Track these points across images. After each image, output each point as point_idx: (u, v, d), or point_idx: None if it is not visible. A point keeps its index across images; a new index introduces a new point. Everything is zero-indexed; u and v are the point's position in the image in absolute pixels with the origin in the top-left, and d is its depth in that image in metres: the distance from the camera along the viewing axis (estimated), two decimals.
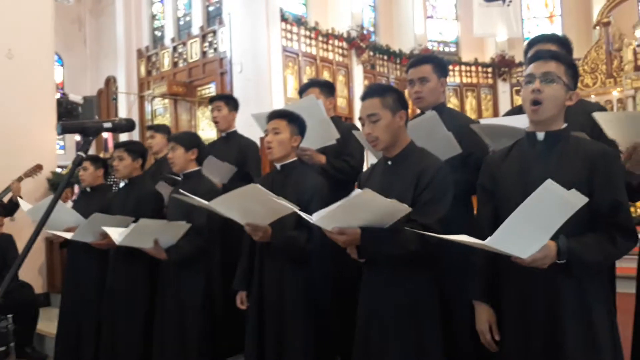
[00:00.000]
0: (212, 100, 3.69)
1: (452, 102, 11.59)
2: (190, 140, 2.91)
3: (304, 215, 1.84)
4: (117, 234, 2.70)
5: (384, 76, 10.68)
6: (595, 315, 1.57)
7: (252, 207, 2.12)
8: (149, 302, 2.95)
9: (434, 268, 1.91)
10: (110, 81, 11.09)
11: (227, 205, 2.17)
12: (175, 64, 9.86)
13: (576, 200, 1.35)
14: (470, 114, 11.53)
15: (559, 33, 12.26)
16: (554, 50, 1.77)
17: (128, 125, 1.52)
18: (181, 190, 2.51)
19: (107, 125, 1.45)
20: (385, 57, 10.86)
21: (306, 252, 2.26)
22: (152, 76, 10.24)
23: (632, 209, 4.86)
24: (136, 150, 3.21)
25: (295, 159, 2.45)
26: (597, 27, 10.35)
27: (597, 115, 1.68)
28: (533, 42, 2.33)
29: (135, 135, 9.79)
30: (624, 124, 1.66)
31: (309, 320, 2.28)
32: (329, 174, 2.68)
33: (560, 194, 1.32)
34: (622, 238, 1.56)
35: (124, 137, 8.02)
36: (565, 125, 1.67)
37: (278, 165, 2.44)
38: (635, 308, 1.99)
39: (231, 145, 3.53)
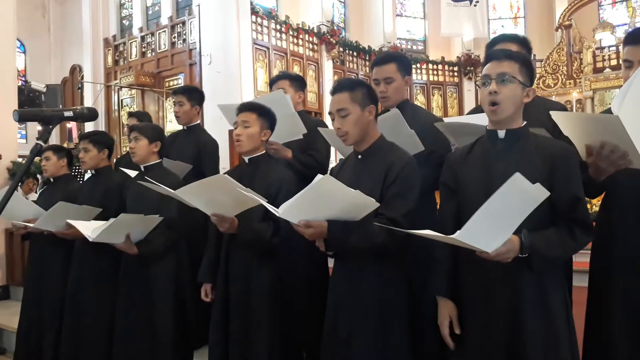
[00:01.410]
0: (174, 93, 3.64)
1: (419, 100, 11.77)
2: (153, 132, 2.88)
3: (270, 207, 1.84)
4: (87, 228, 2.62)
5: (353, 72, 10.76)
6: (553, 308, 1.63)
7: (219, 197, 2.11)
8: (115, 296, 2.90)
9: (401, 262, 1.94)
10: (76, 70, 10.81)
11: (193, 195, 2.15)
12: (143, 54, 9.69)
13: (540, 194, 1.39)
14: (437, 111, 11.74)
15: (523, 34, 12.55)
16: (507, 49, 1.80)
17: (90, 115, 1.47)
18: (147, 178, 2.48)
19: (68, 113, 1.41)
20: (355, 54, 10.95)
21: (272, 245, 2.26)
22: (120, 66, 10.04)
23: (587, 205, 5.08)
24: (101, 141, 3.15)
25: (264, 152, 2.45)
26: (559, 30, 10.68)
27: (554, 114, 1.75)
28: (494, 42, 2.40)
29: (101, 125, 9.62)
30: (580, 124, 1.73)
31: (275, 313, 2.29)
32: (295, 168, 2.71)
33: (526, 188, 1.35)
34: (580, 232, 1.62)
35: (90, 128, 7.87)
36: (524, 123, 1.73)
37: (246, 159, 2.45)
38: (587, 300, 2.10)
39: (190, 140, 3.49)
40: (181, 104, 3.51)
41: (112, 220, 2.51)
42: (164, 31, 9.31)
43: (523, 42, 2.35)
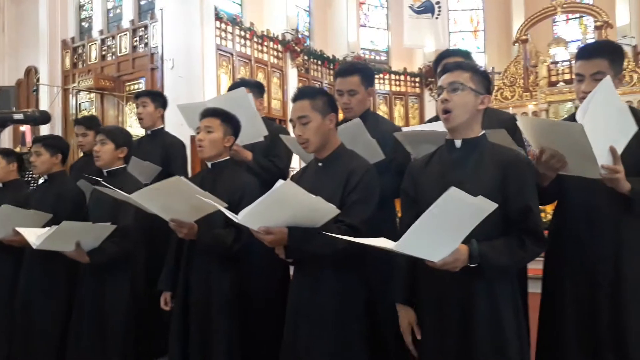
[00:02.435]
0: (137, 95, 3.58)
1: (382, 109, 11.93)
2: (122, 137, 2.79)
3: (228, 213, 1.82)
4: (33, 235, 2.52)
5: (317, 81, 10.80)
6: (504, 315, 1.65)
7: (176, 202, 2.07)
8: (67, 304, 2.82)
9: (360, 268, 1.95)
10: (31, 72, 10.44)
11: (149, 199, 2.10)
12: (103, 57, 9.46)
13: (485, 205, 1.40)
14: (398, 121, 11.91)
15: (482, 47, 12.87)
16: (459, 61, 1.87)
17: (42, 118, 1.43)
18: (103, 182, 2.42)
19: (18, 116, 1.36)
20: (320, 62, 11.01)
21: (234, 251, 2.23)
22: (78, 69, 9.76)
23: (542, 215, 5.25)
24: (55, 145, 3.05)
25: (227, 158, 2.43)
26: (516, 44, 11.05)
27: (520, 119, 1.80)
28: (440, 58, 2.49)
29: (58, 129, 9.32)
30: (542, 130, 1.77)
31: (235, 321, 2.27)
32: (254, 172, 2.70)
33: (465, 200, 1.36)
34: (531, 242, 1.64)
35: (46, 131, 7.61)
36: (482, 132, 1.77)
37: (209, 164, 2.42)
38: (540, 306, 2.16)
39: (156, 143, 3.44)
40: (145, 105, 3.46)
41: (54, 227, 2.42)
42: (125, 34, 9.12)
43: (467, 56, 2.44)
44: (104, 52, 9.46)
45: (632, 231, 1.95)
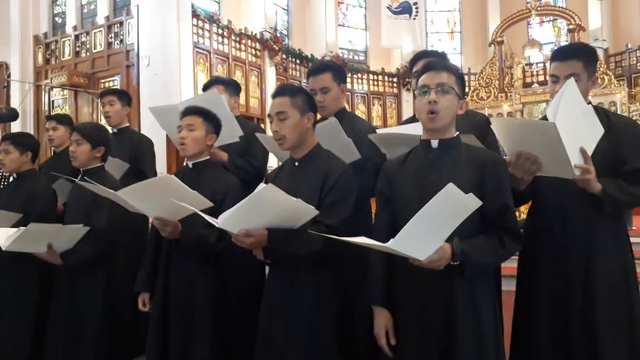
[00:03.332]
0: (103, 94, 3.56)
1: (360, 109, 11.98)
2: (98, 136, 2.72)
3: (208, 218, 1.79)
4: (3, 236, 2.45)
5: (296, 79, 10.79)
6: (483, 314, 1.67)
7: (162, 200, 2.03)
8: (39, 306, 2.76)
9: (335, 269, 1.95)
10: (2, 67, 10.18)
11: (135, 196, 2.06)
12: (77, 54, 9.27)
13: (472, 203, 1.42)
14: (376, 121, 11.98)
15: (459, 48, 13.04)
16: (443, 61, 1.87)
17: (10, 115, 1.40)
18: (86, 178, 2.37)
19: None
20: (298, 61, 11.00)
21: (217, 251, 2.21)
22: (51, 65, 9.54)
23: (516, 213, 5.34)
24: (24, 143, 2.97)
25: (208, 157, 2.40)
26: (492, 45, 11.21)
27: (493, 121, 1.82)
28: (418, 57, 2.51)
29: (29, 127, 9.11)
30: (515, 131, 1.79)
31: (217, 323, 2.24)
32: (229, 172, 2.67)
33: (460, 197, 1.38)
34: (509, 240, 1.67)
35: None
36: (457, 133, 1.78)
37: (190, 163, 2.39)
38: (515, 304, 2.20)
39: (124, 141, 3.40)
40: (112, 103, 3.45)
41: (22, 228, 2.36)
42: (100, 31, 8.96)
43: (442, 57, 2.48)
44: (77, 49, 9.27)
45: (603, 231, 2.00)
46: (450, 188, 1.36)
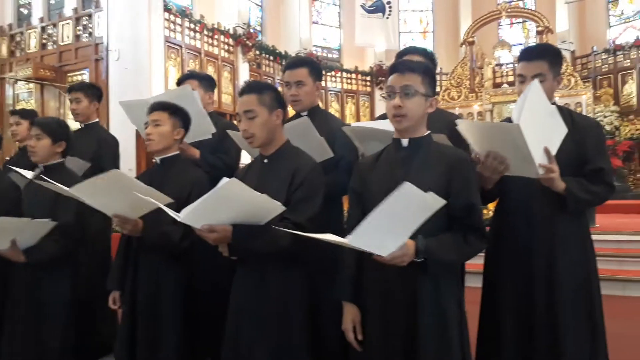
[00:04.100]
0: (70, 90, 3.46)
1: (334, 107, 12.01)
2: (59, 130, 2.64)
3: (170, 212, 1.76)
4: None
5: (269, 76, 10.74)
6: (447, 310, 1.69)
7: (119, 197, 2.00)
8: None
9: (304, 266, 1.95)
10: None
11: (89, 193, 2.01)
12: (43, 46, 9.02)
13: (434, 202, 1.42)
14: (350, 119, 12.04)
15: (431, 48, 13.22)
16: (409, 61, 1.87)
17: None
18: (43, 177, 2.30)
19: None
20: (272, 58, 10.94)
21: (182, 249, 2.18)
22: (16, 57, 9.27)
23: (485, 211, 5.44)
24: None
25: (177, 153, 2.38)
26: (464, 46, 11.37)
27: (460, 123, 1.86)
28: (402, 54, 2.53)
29: None
30: (481, 133, 1.83)
31: (184, 320, 2.22)
32: (202, 170, 2.65)
33: (418, 196, 1.38)
34: (474, 238, 1.69)
35: None
36: (428, 132, 1.81)
37: (158, 159, 2.35)
38: (481, 300, 2.24)
39: (90, 137, 3.33)
40: (78, 101, 3.36)
41: None
42: (68, 23, 8.74)
43: (429, 56, 2.49)
44: (44, 41, 9.03)
45: (565, 228, 2.05)
46: (407, 187, 1.37)
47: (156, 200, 1.90)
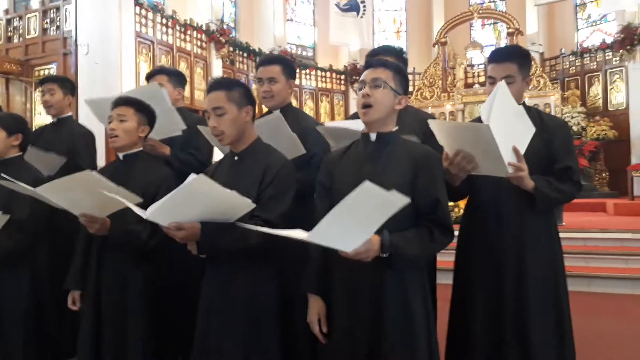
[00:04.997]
0: (43, 81, 3.36)
1: (308, 105, 11.98)
2: (13, 123, 2.59)
3: (136, 210, 1.73)
4: None
5: (243, 73, 10.65)
6: (413, 305, 1.70)
7: (87, 196, 1.95)
8: None
9: (274, 263, 1.93)
10: None
11: (57, 193, 1.97)
12: (9, 39, 8.74)
13: (396, 200, 1.42)
14: (324, 117, 12.03)
15: (404, 48, 13.32)
16: (382, 59, 1.90)
17: None
18: (3, 175, 2.24)
19: None
20: (245, 55, 10.85)
21: (149, 247, 2.14)
22: None
23: (456, 209, 5.51)
24: None
25: (140, 149, 2.33)
26: (436, 46, 11.50)
27: (431, 123, 1.88)
28: (374, 53, 2.55)
29: None
30: (452, 132, 1.85)
31: (152, 320, 2.19)
32: (173, 166, 2.61)
33: (378, 194, 1.38)
34: (439, 234, 1.70)
35: None
36: (396, 128, 1.82)
37: (121, 155, 2.30)
38: (452, 296, 2.27)
39: (63, 132, 3.24)
40: (52, 92, 3.26)
41: None
42: (35, 15, 8.49)
43: (399, 54, 2.53)
44: (9, 34, 8.75)
45: (534, 226, 2.10)
46: (367, 185, 1.36)
47: (126, 199, 1.85)
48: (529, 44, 11.13)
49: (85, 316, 2.23)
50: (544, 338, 2.03)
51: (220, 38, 9.79)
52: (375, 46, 2.87)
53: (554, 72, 11.66)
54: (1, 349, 2.42)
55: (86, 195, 1.96)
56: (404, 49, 2.78)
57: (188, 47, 9.27)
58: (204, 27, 9.59)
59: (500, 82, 1.90)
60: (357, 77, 12.54)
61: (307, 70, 12.06)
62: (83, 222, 2.07)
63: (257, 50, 10.98)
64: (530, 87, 9.06)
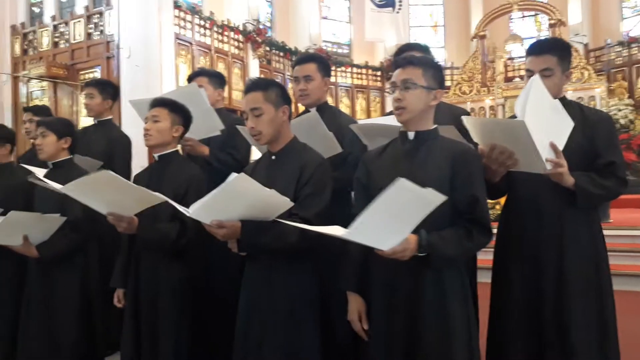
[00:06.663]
0: (85, 85, 3.55)
1: (344, 102, 11.95)
2: (62, 127, 2.69)
3: (179, 207, 1.78)
4: None
5: (279, 72, 10.73)
6: (451, 304, 1.69)
7: (113, 195, 2.00)
8: (16, 302, 2.70)
9: (314, 262, 1.95)
10: None
11: (82, 192, 2.02)
12: (55, 44, 9.09)
13: (433, 197, 1.41)
14: (361, 114, 11.97)
15: (442, 42, 13.05)
16: (411, 55, 1.88)
17: None
18: (37, 175, 2.33)
19: None
20: (282, 54, 10.93)
21: (179, 247, 2.18)
22: (29, 56, 9.35)
23: (497, 206, 5.39)
24: (1, 135, 2.94)
25: (174, 149, 2.38)
26: (475, 40, 11.26)
27: (465, 119, 1.85)
28: (400, 51, 2.54)
29: (7, 119, 8.94)
30: (487, 129, 1.82)
31: (184, 321, 2.23)
32: (212, 166, 2.66)
33: (414, 191, 1.37)
34: (477, 232, 1.68)
35: None
36: (435, 126, 1.81)
37: (156, 156, 2.37)
38: (491, 295, 2.23)
39: (102, 134, 3.37)
40: (91, 97, 3.41)
41: (1, 218, 2.32)
42: (79, 21, 8.80)
43: (424, 50, 2.51)
44: (56, 39, 9.10)
45: (575, 224, 2.04)
46: (402, 183, 1.35)
47: (149, 199, 1.91)
48: (572, 35, 10.77)
49: (127, 311, 2.31)
50: (586, 338, 1.97)
51: (257, 38, 9.90)
52: (412, 41, 2.85)
53: (599, 63, 11.23)
54: (52, 345, 2.52)
55: (112, 195, 2.01)
56: (442, 44, 2.75)
57: (226, 47, 9.42)
58: (240, 28, 9.72)
59: (534, 76, 1.85)
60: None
61: (343, 68, 12.04)
62: (111, 220, 2.12)
63: (293, 49, 11.03)
64: (574, 80, 8.78)
